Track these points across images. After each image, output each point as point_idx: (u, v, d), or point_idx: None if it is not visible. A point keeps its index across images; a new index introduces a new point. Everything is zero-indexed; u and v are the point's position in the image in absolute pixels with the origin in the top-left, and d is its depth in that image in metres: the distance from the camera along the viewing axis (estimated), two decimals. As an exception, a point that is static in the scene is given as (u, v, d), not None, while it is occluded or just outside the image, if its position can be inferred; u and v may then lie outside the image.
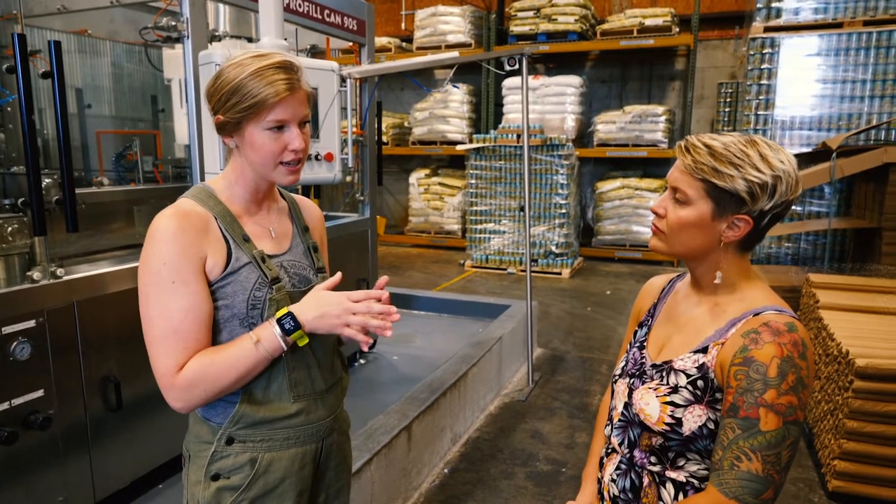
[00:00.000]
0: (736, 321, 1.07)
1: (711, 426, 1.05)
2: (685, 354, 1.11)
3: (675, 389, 1.08)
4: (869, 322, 3.34)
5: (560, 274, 7.97)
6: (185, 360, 1.16)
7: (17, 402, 2.06)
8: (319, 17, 3.53)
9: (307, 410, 1.30)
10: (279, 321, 1.18)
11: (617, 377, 1.24)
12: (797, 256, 5.35)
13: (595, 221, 9.09)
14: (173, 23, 2.58)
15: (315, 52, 5.03)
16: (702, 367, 1.07)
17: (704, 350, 1.08)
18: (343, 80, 2.87)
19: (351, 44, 4.10)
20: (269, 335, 1.19)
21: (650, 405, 1.10)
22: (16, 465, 2.09)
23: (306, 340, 1.22)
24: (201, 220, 1.21)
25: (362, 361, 4.37)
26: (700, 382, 1.07)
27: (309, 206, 1.49)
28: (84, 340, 2.28)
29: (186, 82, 2.67)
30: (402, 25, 10.99)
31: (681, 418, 1.07)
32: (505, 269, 8.22)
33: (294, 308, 1.20)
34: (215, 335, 1.23)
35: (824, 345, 3.28)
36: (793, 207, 5.45)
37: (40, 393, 2.13)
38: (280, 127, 1.20)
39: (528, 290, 4.33)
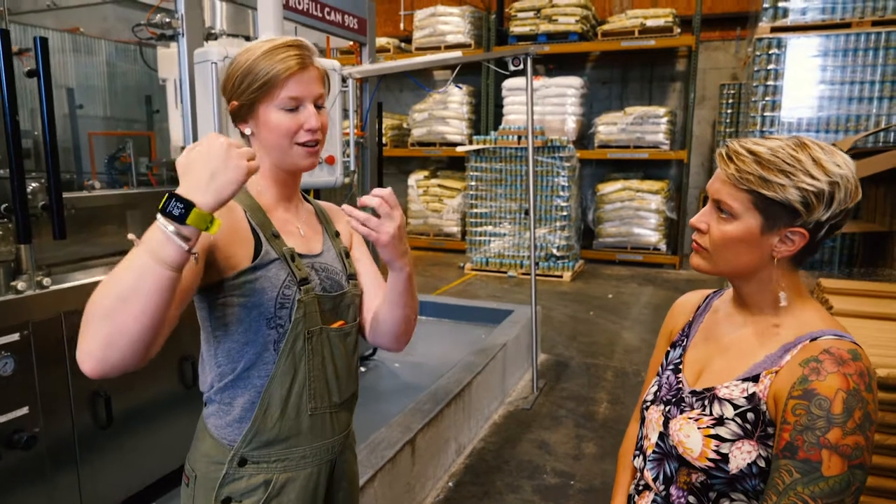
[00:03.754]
0: (790, 346, 0.96)
1: (762, 464, 0.94)
2: (731, 382, 1.00)
3: (720, 421, 0.97)
4: (887, 329, 3.24)
5: (561, 277, 7.87)
6: None
7: (0, 420, 1.94)
8: (320, 15, 3.42)
9: (322, 426, 1.23)
10: (163, 208, 0.88)
11: (648, 403, 1.13)
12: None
13: (596, 224, 8.99)
14: (167, 20, 2.47)
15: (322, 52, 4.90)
16: (752, 398, 0.96)
17: (755, 378, 0.97)
18: (344, 80, 2.76)
19: (351, 43, 3.99)
20: (153, 230, 0.89)
21: (691, 437, 0.99)
22: (-1, 487, 1.97)
23: (216, 223, 0.91)
24: (225, 209, 1.07)
25: (362, 369, 4.25)
26: (750, 415, 0.96)
27: (336, 213, 1.41)
28: (72, 354, 2.16)
29: (181, 82, 2.56)
30: (401, 26, 10.88)
31: (727, 454, 0.96)
32: (505, 273, 8.12)
33: (181, 187, 0.91)
34: (238, 336, 1.15)
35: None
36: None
37: (25, 410, 2.02)
38: (294, 108, 1.15)
39: (532, 296, 4.23)
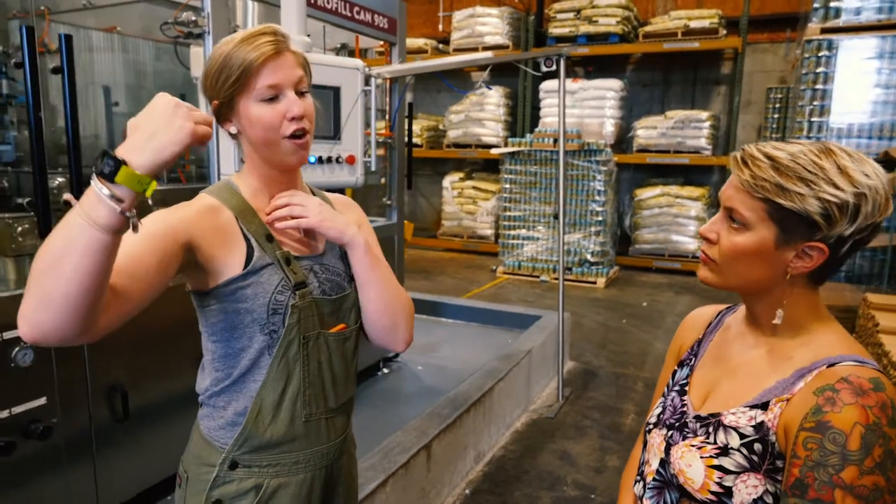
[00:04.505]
0: (804, 372, 0.88)
1: (769, 500, 0.86)
2: (738, 408, 0.92)
3: (724, 451, 0.90)
4: (935, 350, 3.04)
5: (595, 283, 7.72)
6: None
7: (17, 410, 1.98)
8: (349, 14, 3.41)
9: (318, 432, 1.20)
10: (100, 169, 0.83)
11: (651, 426, 1.05)
12: (852, 274, 5.00)
13: (633, 230, 8.79)
14: (193, 18, 2.49)
15: (351, 52, 4.91)
16: (760, 427, 0.88)
17: (764, 406, 0.89)
18: (367, 79, 2.73)
19: (381, 43, 3.97)
20: (87, 192, 0.84)
21: (692, 467, 0.92)
22: (15, 476, 2.01)
23: (152, 186, 0.85)
24: (210, 212, 1.11)
25: (385, 371, 4.23)
26: (757, 446, 0.87)
27: (345, 204, 1.35)
28: (90, 347, 2.19)
29: (206, 80, 2.58)
30: (440, 27, 10.86)
31: (731, 487, 0.88)
32: (538, 277, 8.01)
33: (117, 149, 0.86)
34: (233, 342, 1.14)
35: (885, 373, 3.01)
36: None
37: (42, 401, 2.05)
38: (274, 97, 1.09)
39: (560, 302, 4.13)
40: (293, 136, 1.11)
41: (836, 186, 0.84)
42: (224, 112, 1.13)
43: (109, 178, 0.82)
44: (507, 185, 8.29)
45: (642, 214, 8.59)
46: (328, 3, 3.20)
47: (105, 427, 2.27)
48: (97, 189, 0.82)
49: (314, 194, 1.31)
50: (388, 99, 3.93)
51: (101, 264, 0.84)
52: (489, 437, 3.48)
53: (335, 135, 2.52)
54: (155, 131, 0.85)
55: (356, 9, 3.44)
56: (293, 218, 1.15)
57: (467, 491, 3.11)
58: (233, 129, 1.15)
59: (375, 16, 3.63)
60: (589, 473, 3.30)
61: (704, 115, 8.38)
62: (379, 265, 1.22)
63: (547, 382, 4.42)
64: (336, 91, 2.48)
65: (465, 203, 9.79)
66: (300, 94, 1.13)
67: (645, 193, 8.57)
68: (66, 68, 2.00)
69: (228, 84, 1.08)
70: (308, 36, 2.43)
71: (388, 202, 4.13)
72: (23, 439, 1.99)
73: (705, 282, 0.96)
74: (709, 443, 0.92)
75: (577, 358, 5.07)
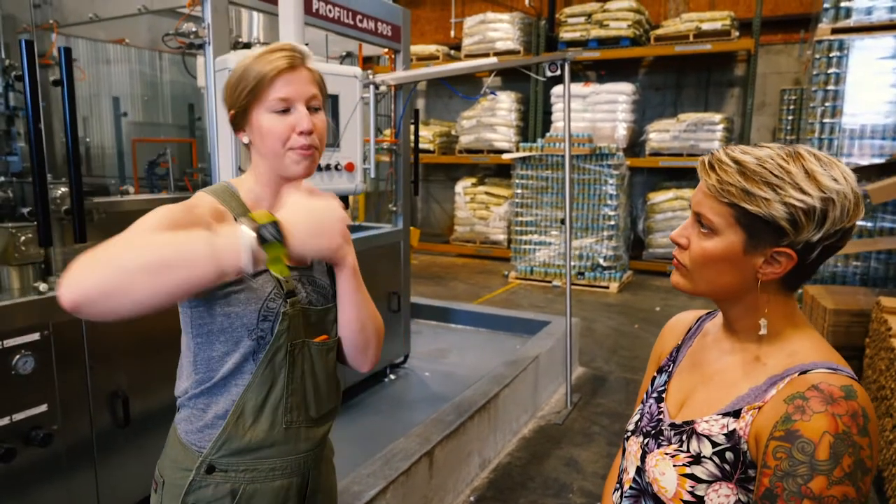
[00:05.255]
0: (776, 379, 0.86)
1: (741, 510, 0.84)
2: (711, 416, 0.90)
3: (696, 459, 0.88)
4: (950, 355, 2.97)
5: (608, 288, 7.66)
6: None
7: (18, 417, 2.01)
8: (351, 22, 3.44)
9: (297, 439, 1.20)
10: (261, 228, 0.87)
11: (630, 434, 1.04)
12: (867, 277, 4.89)
13: (646, 234, 8.72)
14: (194, 29, 2.52)
15: (368, 60, 4.93)
16: (732, 436, 0.86)
17: (736, 414, 0.87)
18: (366, 86, 2.74)
19: (386, 50, 3.99)
20: (231, 235, 0.86)
21: (665, 476, 0.90)
22: (16, 483, 2.03)
23: (286, 271, 0.93)
24: (215, 215, 1.11)
25: (392, 377, 4.23)
26: (729, 454, 0.86)
27: None
28: (91, 354, 2.22)
29: (208, 89, 2.61)
30: (452, 33, 10.90)
31: (703, 497, 0.86)
32: (550, 282, 7.96)
33: (281, 214, 0.91)
34: (216, 345, 1.14)
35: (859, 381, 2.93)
36: (863, 223, 4.99)
37: (44, 408, 2.08)
38: (285, 109, 1.13)
39: (567, 307, 4.10)
40: (299, 148, 1.14)
41: (803, 191, 0.82)
42: (239, 121, 1.17)
43: (262, 240, 0.87)
44: (519, 191, 8.27)
45: (655, 218, 8.51)
46: (330, 11, 3.22)
47: (106, 433, 2.30)
48: (244, 240, 0.86)
49: None
50: (393, 106, 3.94)
51: (186, 294, 0.87)
52: (495, 443, 3.46)
53: (334, 142, 2.54)
54: (320, 235, 0.95)
55: (359, 17, 3.46)
56: None
57: (472, 498, 3.09)
58: (245, 139, 1.19)
59: (378, 23, 3.65)
60: (596, 481, 3.26)
61: (718, 117, 8.29)
62: (362, 287, 1.24)
63: (555, 388, 4.39)
64: (334, 99, 2.49)
65: (477, 208, 9.79)
66: (312, 109, 1.15)
67: (658, 197, 8.50)
68: (65, 81, 2.03)
69: (244, 94, 1.13)
70: (307, 44, 2.44)
71: (394, 209, 4.14)
72: (24, 446, 2.02)
73: (677, 287, 0.95)
74: (682, 451, 0.90)
75: (588, 364, 5.03)
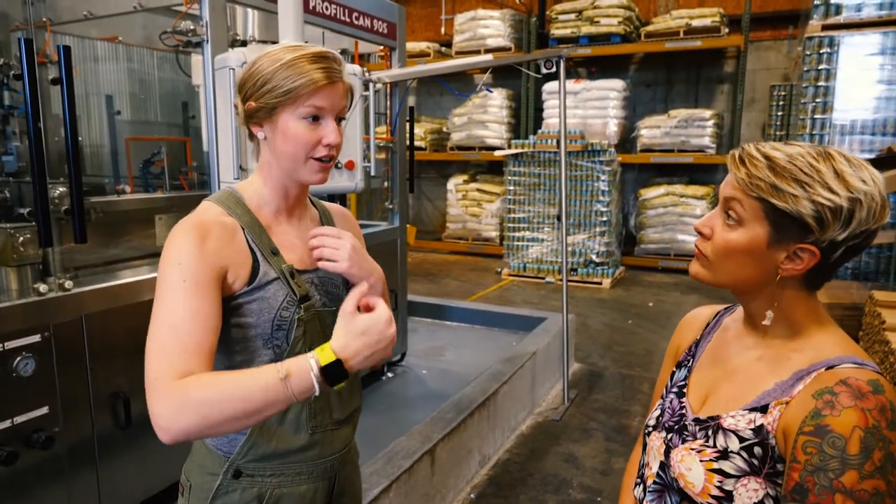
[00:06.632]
0: (803, 374, 0.86)
1: (770, 504, 0.85)
2: (737, 411, 0.91)
3: (724, 454, 0.89)
4: (943, 347, 3.02)
5: (600, 284, 7.69)
6: (182, 368, 0.98)
7: (19, 419, 1.98)
8: (347, 20, 3.42)
9: (322, 443, 1.20)
10: (324, 369, 0.97)
11: (651, 428, 1.04)
12: (858, 271, 4.96)
13: (638, 230, 8.76)
14: (192, 27, 2.49)
15: (360, 58, 4.90)
16: (759, 431, 0.87)
17: (763, 409, 0.88)
18: (366, 85, 2.73)
19: (381, 47, 3.97)
20: (303, 376, 0.97)
21: (692, 471, 0.91)
22: (18, 486, 2.01)
23: (340, 387, 1.04)
24: (227, 231, 1.11)
25: (390, 375, 4.23)
26: (757, 449, 0.86)
27: (342, 215, 1.36)
28: (92, 355, 2.20)
29: (206, 87, 2.58)
30: (442, 30, 10.88)
31: (731, 491, 0.87)
32: (543, 279, 7.99)
33: (337, 347, 0.99)
34: (233, 356, 1.13)
35: (892, 371, 2.98)
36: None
37: (45, 410, 2.05)
38: (316, 118, 1.11)
39: (564, 304, 4.12)
40: (321, 159, 1.13)
41: (831, 190, 0.83)
42: (259, 116, 1.12)
43: (332, 382, 0.98)
44: (511, 187, 8.29)
45: (647, 214, 8.56)
46: (327, 9, 3.20)
47: (107, 435, 2.28)
48: (316, 381, 0.97)
49: (314, 206, 1.31)
50: (388, 103, 3.93)
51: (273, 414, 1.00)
52: (494, 440, 3.46)
53: (334, 140, 2.52)
54: (375, 351, 1.02)
55: (355, 14, 3.45)
56: (324, 259, 1.18)
57: (472, 495, 3.10)
58: (261, 135, 1.15)
59: (374, 21, 3.63)
60: (595, 476, 3.28)
61: (708, 113, 8.35)
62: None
63: (552, 385, 4.41)
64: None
65: (469, 205, 9.79)
66: (338, 120, 1.14)
67: (649, 193, 8.55)
68: (64, 79, 2.01)
69: (278, 93, 1.08)
70: (306, 42, 2.43)
71: (391, 206, 4.13)
72: (25, 449, 2.00)
73: (696, 277, 0.96)
74: (708, 446, 0.91)
75: (583, 360, 5.05)
